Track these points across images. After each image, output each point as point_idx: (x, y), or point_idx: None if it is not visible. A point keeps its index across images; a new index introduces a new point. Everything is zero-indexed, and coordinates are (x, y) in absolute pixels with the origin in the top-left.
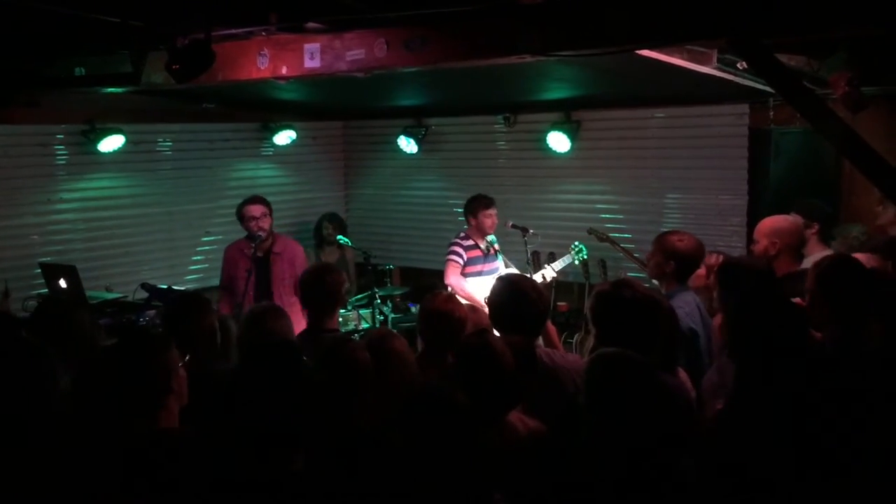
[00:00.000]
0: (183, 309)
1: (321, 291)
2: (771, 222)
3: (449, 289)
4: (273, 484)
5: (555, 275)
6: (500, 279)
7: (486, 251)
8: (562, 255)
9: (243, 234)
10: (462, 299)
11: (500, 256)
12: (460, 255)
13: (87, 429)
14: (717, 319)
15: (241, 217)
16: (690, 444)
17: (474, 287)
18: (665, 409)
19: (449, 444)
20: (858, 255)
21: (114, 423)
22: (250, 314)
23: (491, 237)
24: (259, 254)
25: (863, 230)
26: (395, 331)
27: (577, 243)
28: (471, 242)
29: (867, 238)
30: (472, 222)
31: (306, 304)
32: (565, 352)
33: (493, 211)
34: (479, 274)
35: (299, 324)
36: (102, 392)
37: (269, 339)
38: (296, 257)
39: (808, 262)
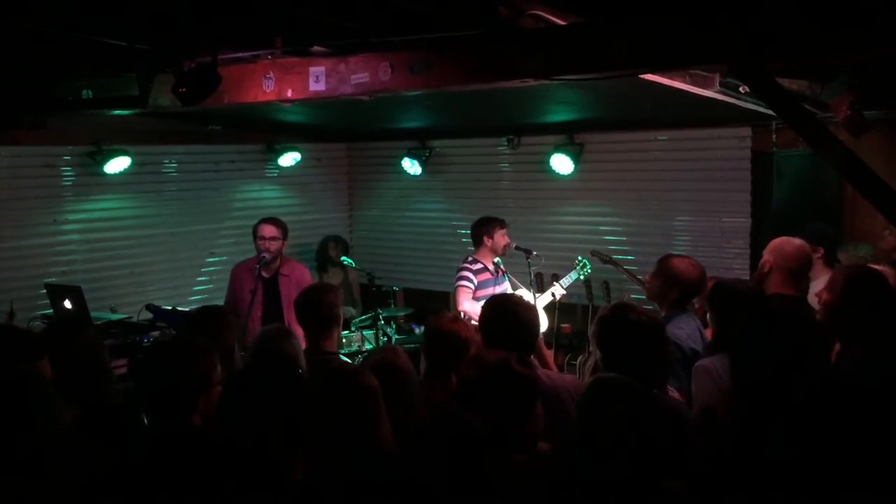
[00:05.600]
0: (206, 322)
1: (318, 312)
2: (777, 241)
3: (462, 315)
4: (271, 489)
5: (564, 292)
6: (490, 298)
7: (494, 272)
8: (565, 276)
9: (248, 254)
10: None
11: (506, 277)
12: (470, 280)
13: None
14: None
15: (254, 234)
16: (684, 464)
17: None
18: (661, 436)
19: (467, 471)
20: None
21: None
22: (260, 336)
23: (497, 258)
24: (265, 274)
25: (870, 250)
26: (398, 346)
27: (580, 258)
28: (480, 265)
29: (873, 258)
30: (487, 242)
31: (303, 326)
32: (560, 373)
33: (506, 231)
34: None
35: None
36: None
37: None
38: (303, 280)
39: (814, 287)
